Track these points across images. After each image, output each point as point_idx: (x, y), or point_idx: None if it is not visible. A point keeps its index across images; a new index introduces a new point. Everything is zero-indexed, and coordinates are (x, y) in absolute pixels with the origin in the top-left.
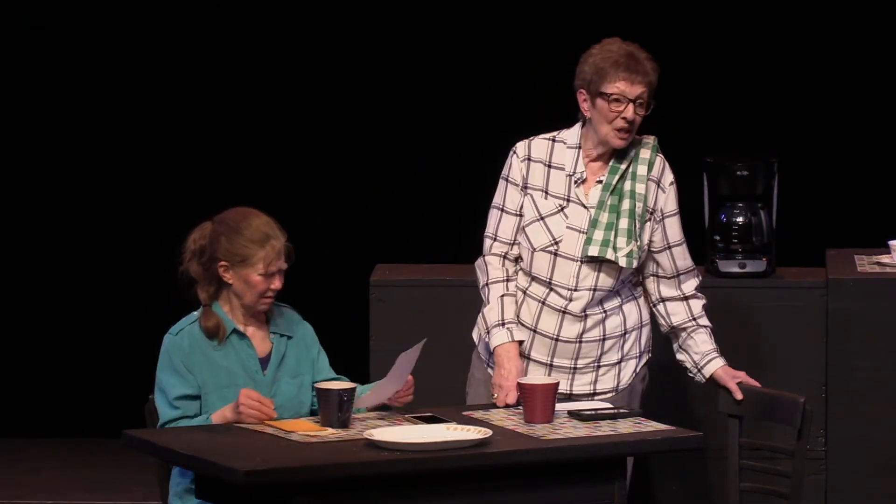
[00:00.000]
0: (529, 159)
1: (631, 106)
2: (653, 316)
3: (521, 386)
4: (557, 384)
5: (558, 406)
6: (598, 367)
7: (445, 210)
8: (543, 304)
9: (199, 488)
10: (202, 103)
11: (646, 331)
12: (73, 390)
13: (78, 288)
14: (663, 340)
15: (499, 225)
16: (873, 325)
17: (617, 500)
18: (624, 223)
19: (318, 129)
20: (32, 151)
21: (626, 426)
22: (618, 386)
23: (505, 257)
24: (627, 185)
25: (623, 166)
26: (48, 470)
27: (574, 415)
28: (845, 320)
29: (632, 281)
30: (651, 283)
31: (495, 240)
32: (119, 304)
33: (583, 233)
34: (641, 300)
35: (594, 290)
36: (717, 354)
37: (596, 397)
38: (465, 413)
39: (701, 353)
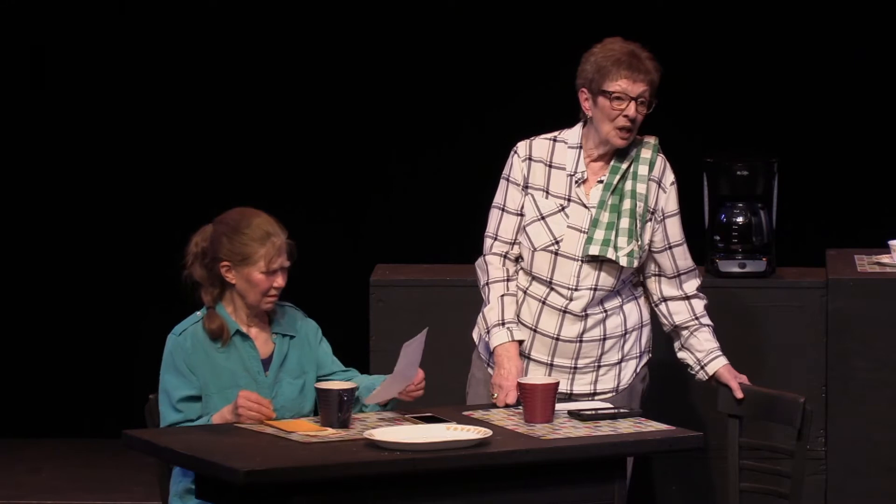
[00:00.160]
0: (530, 159)
1: (633, 104)
2: (655, 315)
3: (521, 386)
4: (557, 384)
5: (558, 406)
6: (599, 367)
7: (445, 210)
8: (544, 303)
9: (199, 488)
10: (203, 104)
11: (646, 331)
12: (73, 390)
13: (78, 288)
14: (663, 340)
15: (499, 225)
16: (873, 325)
17: (617, 500)
18: (625, 223)
19: (318, 130)
20: (33, 151)
21: (626, 426)
22: (618, 386)
23: (505, 257)
24: (628, 185)
25: (624, 166)
26: (48, 470)
27: (574, 415)
28: (845, 320)
29: (632, 281)
30: (653, 284)
31: (496, 239)
32: (119, 304)
33: (584, 232)
34: (642, 300)
35: (595, 289)
36: (719, 353)
37: (596, 397)
38: (465, 413)
39: (704, 350)
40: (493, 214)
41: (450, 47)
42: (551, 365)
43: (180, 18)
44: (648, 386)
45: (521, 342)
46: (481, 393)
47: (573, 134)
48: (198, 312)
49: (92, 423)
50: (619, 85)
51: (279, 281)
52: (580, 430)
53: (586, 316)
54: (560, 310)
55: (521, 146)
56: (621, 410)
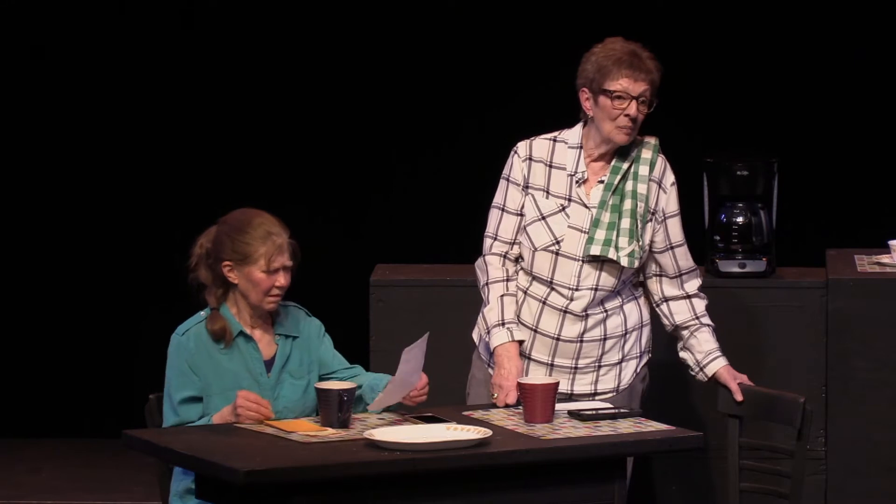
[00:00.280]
0: (531, 159)
1: (634, 103)
2: (656, 316)
3: (521, 386)
4: (557, 384)
5: (558, 406)
6: (599, 367)
7: (445, 210)
8: (544, 303)
9: (199, 488)
10: (203, 104)
11: (646, 331)
12: (73, 390)
13: (78, 288)
14: (664, 340)
15: (499, 225)
16: (873, 325)
17: (617, 500)
18: (626, 223)
19: (318, 130)
20: (34, 151)
21: (627, 426)
22: (618, 386)
23: (505, 257)
24: (629, 186)
25: (625, 166)
26: (48, 470)
27: (574, 415)
28: (845, 320)
29: (632, 281)
30: (654, 284)
31: (495, 239)
32: (119, 304)
33: (584, 232)
34: (642, 300)
35: (595, 289)
36: (719, 354)
37: (597, 397)
38: (465, 413)
39: (703, 351)
40: (493, 214)
41: (450, 47)
42: (552, 365)
43: (180, 17)
44: (648, 386)
45: (521, 342)
46: (481, 393)
47: (573, 134)
48: (201, 312)
49: (92, 423)
50: (620, 84)
51: (281, 280)
52: (580, 430)
53: (587, 316)
54: (560, 310)
55: (522, 146)
56: (621, 410)
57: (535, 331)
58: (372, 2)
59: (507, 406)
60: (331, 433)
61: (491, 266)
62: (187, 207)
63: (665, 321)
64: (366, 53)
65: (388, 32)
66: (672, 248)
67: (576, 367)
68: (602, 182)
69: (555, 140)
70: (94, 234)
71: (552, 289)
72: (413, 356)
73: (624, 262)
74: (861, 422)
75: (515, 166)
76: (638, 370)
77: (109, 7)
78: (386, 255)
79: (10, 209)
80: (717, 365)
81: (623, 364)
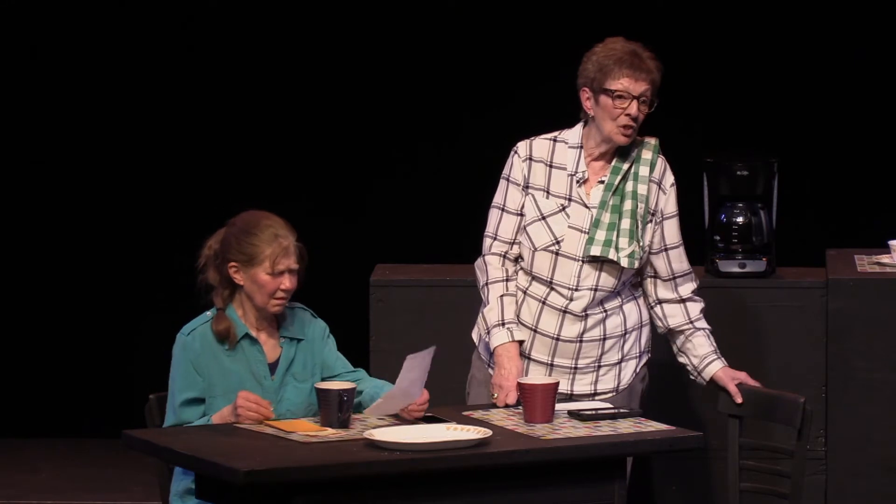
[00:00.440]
0: (531, 159)
1: (635, 103)
2: (650, 317)
3: (521, 386)
4: (557, 384)
5: (558, 406)
6: (599, 367)
7: (445, 210)
8: (544, 303)
9: (200, 488)
10: (203, 103)
11: (646, 331)
12: (72, 390)
13: (78, 288)
14: (663, 340)
15: (499, 224)
16: (873, 325)
17: (617, 500)
18: (626, 223)
19: (318, 130)
20: (34, 151)
21: (626, 426)
22: (618, 386)
23: (505, 257)
24: (629, 186)
25: (625, 167)
26: (47, 470)
27: (574, 415)
28: (845, 320)
29: (632, 282)
30: (649, 285)
31: (495, 239)
32: (119, 304)
33: (584, 232)
34: (641, 300)
35: (595, 290)
36: (716, 356)
37: (596, 397)
38: (465, 413)
39: (700, 356)
40: (493, 214)
41: (451, 47)
42: (551, 365)
43: (180, 16)
44: (648, 386)
45: (521, 342)
46: (481, 394)
47: (573, 134)
48: (207, 312)
49: (92, 423)
50: (621, 84)
51: (286, 283)
52: (580, 430)
53: (586, 316)
54: (560, 310)
55: (522, 146)
56: (621, 410)
57: (535, 331)
58: (373, 2)
59: (507, 406)
60: (331, 433)
61: (490, 266)
62: (188, 207)
63: (658, 323)
64: (366, 53)
65: (389, 32)
66: (667, 249)
67: (575, 367)
68: (602, 182)
69: (555, 140)
70: (94, 235)
71: (552, 289)
72: (417, 365)
73: (624, 262)
74: (861, 422)
75: (515, 166)
76: (637, 370)
77: (110, 6)
78: (386, 255)
79: (10, 209)
80: (715, 368)
81: (622, 364)
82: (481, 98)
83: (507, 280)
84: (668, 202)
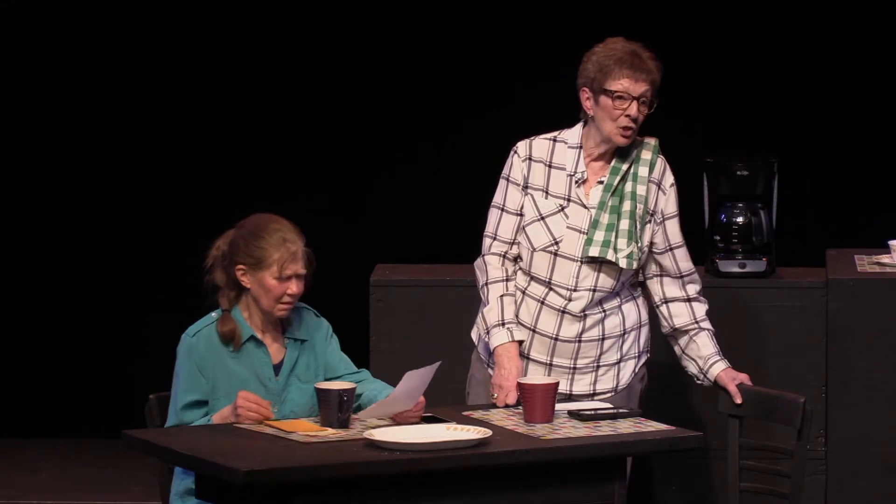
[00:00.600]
0: (530, 159)
1: (635, 104)
2: (654, 317)
3: (521, 386)
4: (557, 384)
5: (558, 406)
6: (598, 367)
7: (445, 210)
8: (542, 303)
9: (199, 488)
10: (203, 103)
11: (644, 331)
12: (72, 390)
13: (78, 288)
14: (663, 341)
15: (499, 224)
16: (873, 325)
17: (617, 500)
18: (624, 224)
19: (319, 130)
20: (34, 151)
21: (626, 426)
22: (617, 386)
23: (504, 257)
24: (628, 187)
25: (624, 167)
26: (48, 470)
27: (574, 415)
28: (845, 320)
29: (631, 282)
30: (655, 284)
31: (495, 239)
32: (119, 304)
33: (583, 233)
34: (640, 300)
35: (594, 290)
36: (719, 357)
37: (595, 397)
38: (465, 413)
39: (703, 357)
40: (493, 214)
41: (450, 47)
42: (550, 365)
43: (180, 16)
44: (647, 386)
45: (521, 342)
46: (481, 394)
47: (573, 134)
48: (212, 314)
49: (92, 423)
50: (621, 84)
51: (293, 288)
52: (580, 430)
53: (585, 316)
54: (559, 310)
55: (521, 146)
56: (621, 410)
57: (534, 331)
58: (372, 2)
59: (507, 406)
60: (331, 433)
61: (490, 266)
62: (188, 207)
63: (664, 323)
64: (366, 53)
65: (389, 32)
66: (672, 249)
67: (574, 368)
68: (601, 182)
69: (555, 140)
70: (94, 235)
71: (550, 289)
72: (416, 379)
73: (622, 263)
74: (861, 422)
75: (515, 166)
76: (636, 370)
77: (110, 6)
78: (386, 255)
79: (10, 209)
80: (718, 369)
81: (621, 364)
82: (481, 98)
83: (506, 280)
84: (669, 202)
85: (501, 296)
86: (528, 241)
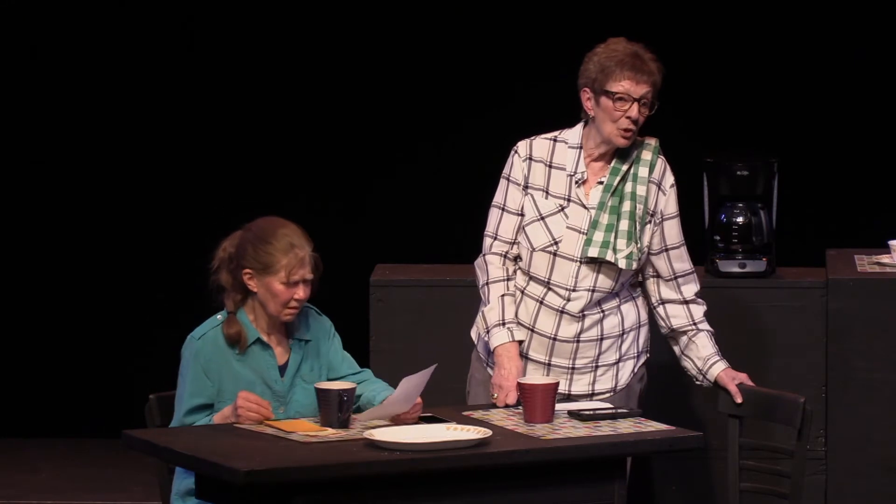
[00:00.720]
0: (531, 159)
1: (635, 105)
2: (653, 317)
3: (521, 386)
4: (557, 384)
5: (558, 406)
6: (597, 367)
7: (445, 210)
8: (541, 303)
9: (199, 488)
10: (203, 103)
11: (644, 331)
12: (72, 390)
13: (79, 288)
14: (663, 341)
15: (499, 224)
16: (873, 325)
17: (617, 500)
18: (624, 225)
19: (319, 130)
20: (35, 151)
21: (626, 426)
22: (616, 386)
23: (505, 256)
24: (628, 187)
25: (624, 167)
26: (48, 470)
27: (574, 415)
28: (845, 320)
29: (631, 282)
30: (651, 285)
31: (495, 239)
32: (119, 305)
33: (583, 233)
34: (640, 300)
35: (593, 290)
36: (718, 358)
37: (594, 397)
38: (465, 413)
39: (703, 357)
40: (493, 214)
41: (451, 47)
42: (549, 365)
43: (180, 16)
44: (646, 386)
45: (521, 342)
46: (481, 394)
47: (573, 134)
48: (217, 316)
49: (92, 423)
50: (622, 86)
51: (300, 293)
52: (580, 430)
53: (583, 316)
54: (557, 310)
55: (522, 146)
56: (621, 410)
57: (532, 330)
58: (372, 2)
59: (507, 406)
60: (331, 433)
61: (491, 265)
62: (188, 208)
63: (661, 324)
64: (366, 53)
65: (389, 32)
66: (667, 250)
67: (573, 368)
68: (601, 183)
69: (555, 140)
70: (94, 235)
71: (549, 289)
72: (412, 383)
73: (622, 264)
74: (861, 422)
75: (516, 166)
76: (635, 370)
77: (110, 6)
78: (386, 255)
79: (10, 209)
80: (717, 369)
81: (620, 364)
82: (482, 98)
83: (507, 280)
84: (668, 203)
85: (502, 295)
86: (527, 240)
